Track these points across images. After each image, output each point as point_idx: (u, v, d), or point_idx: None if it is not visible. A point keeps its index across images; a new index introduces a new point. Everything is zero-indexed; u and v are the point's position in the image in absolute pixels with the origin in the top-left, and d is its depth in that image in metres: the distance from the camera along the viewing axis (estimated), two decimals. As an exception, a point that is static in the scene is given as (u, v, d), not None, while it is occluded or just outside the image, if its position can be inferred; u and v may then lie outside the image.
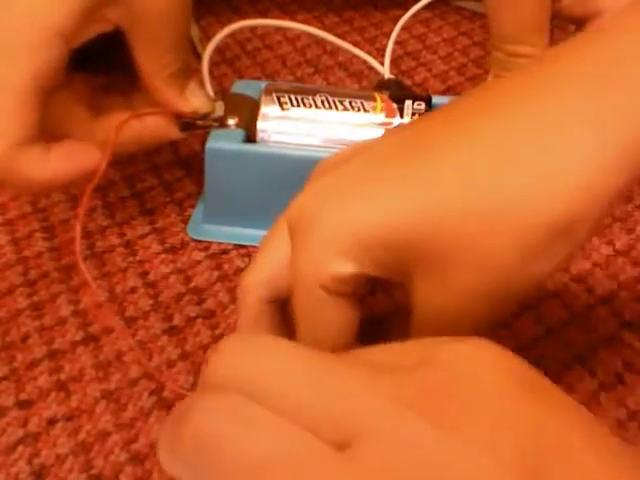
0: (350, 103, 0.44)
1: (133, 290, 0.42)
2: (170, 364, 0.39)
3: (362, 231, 0.28)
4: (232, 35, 0.50)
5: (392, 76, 0.52)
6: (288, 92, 0.44)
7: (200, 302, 0.42)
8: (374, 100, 0.44)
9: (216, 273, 0.43)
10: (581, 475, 0.21)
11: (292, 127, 0.43)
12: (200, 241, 0.45)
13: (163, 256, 0.44)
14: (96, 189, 0.41)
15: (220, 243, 0.45)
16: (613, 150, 0.27)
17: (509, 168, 0.27)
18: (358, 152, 0.31)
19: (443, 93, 0.56)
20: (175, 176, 0.49)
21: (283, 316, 0.32)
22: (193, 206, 0.47)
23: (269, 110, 0.44)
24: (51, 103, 0.39)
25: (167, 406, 0.37)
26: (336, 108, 0.43)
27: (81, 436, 0.36)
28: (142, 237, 0.45)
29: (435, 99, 0.44)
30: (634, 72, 0.27)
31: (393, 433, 0.21)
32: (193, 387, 0.38)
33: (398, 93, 0.45)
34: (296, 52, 0.61)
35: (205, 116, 0.44)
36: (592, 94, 0.27)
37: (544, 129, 0.27)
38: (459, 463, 0.21)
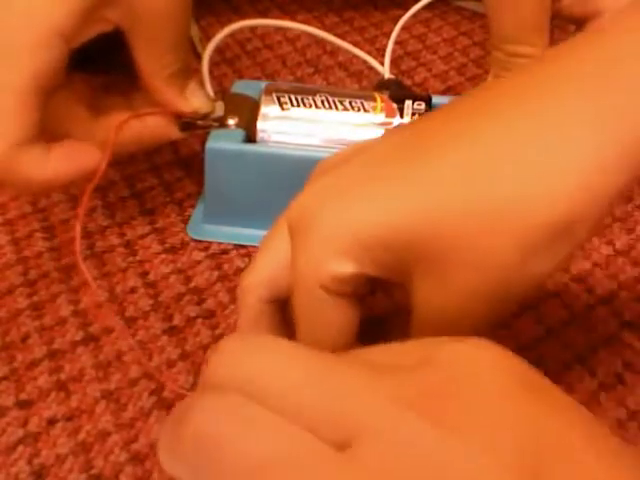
0: (350, 103, 0.44)
1: (133, 290, 0.42)
2: (170, 364, 0.39)
3: (362, 231, 0.28)
4: (232, 35, 0.50)
5: (392, 76, 0.52)
6: (288, 92, 0.44)
7: (200, 302, 0.42)
8: (374, 100, 0.44)
9: (216, 273, 0.43)
10: (581, 475, 0.21)
11: (292, 127, 0.43)
12: (200, 241, 0.45)
13: (163, 256, 0.44)
14: (96, 189, 0.41)
15: (220, 243, 0.45)
16: (612, 150, 0.27)
17: (509, 168, 0.27)
18: (358, 152, 0.31)
19: (443, 93, 0.56)
20: (175, 176, 0.49)
21: (283, 316, 0.32)
22: (193, 206, 0.47)
23: (269, 110, 0.44)
24: (51, 103, 0.39)
25: (167, 406, 0.37)
26: (336, 108, 0.43)
27: (81, 436, 0.36)
28: (142, 237, 0.45)
29: (435, 99, 0.44)
30: (634, 72, 0.27)
31: (393, 433, 0.21)
32: (193, 387, 0.38)
33: (398, 93, 0.45)
34: (296, 52, 0.61)
35: (205, 116, 0.44)
36: (592, 94, 0.27)
37: (544, 129, 0.27)
38: (459, 463, 0.21)
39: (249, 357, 0.24)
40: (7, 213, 0.47)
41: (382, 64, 0.52)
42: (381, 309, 0.37)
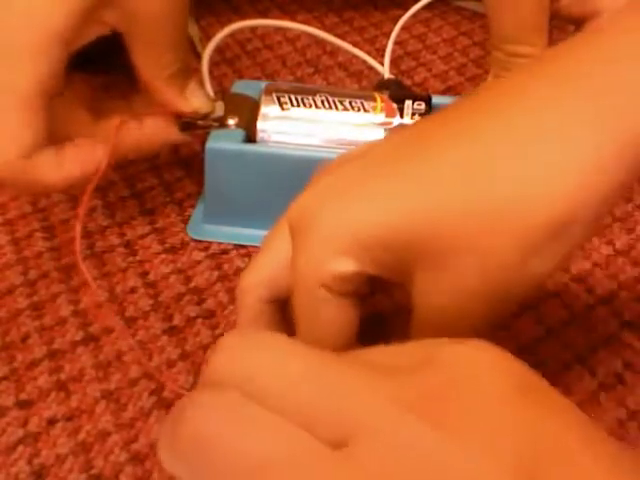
0: (350, 103, 0.44)
1: (133, 290, 0.42)
2: (170, 364, 0.39)
3: (362, 231, 0.28)
4: (232, 35, 0.50)
5: (392, 76, 0.52)
6: (288, 92, 0.44)
7: (200, 302, 0.42)
8: (374, 100, 0.44)
9: (216, 273, 0.43)
10: (578, 477, 0.21)
11: (292, 127, 0.43)
12: (200, 241, 0.45)
13: (163, 256, 0.44)
14: (96, 189, 0.41)
15: (220, 243, 0.45)
16: (612, 150, 0.27)
17: (509, 167, 0.27)
18: (360, 153, 0.31)
19: (443, 93, 0.56)
20: (175, 176, 0.49)
21: (283, 316, 0.32)
22: (193, 206, 0.47)
23: (269, 110, 0.44)
24: (53, 105, 0.39)
25: (167, 406, 0.37)
26: (336, 108, 0.43)
27: (81, 436, 0.36)
28: (142, 237, 0.45)
29: (435, 99, 0.44)
30: (632, 72, 0.27)
31: (392, 434, 0.21)
32: (193, 387, 0.37)
33: (398, 93, 0.45)
34: (296, 52, 0.61)
35: (205, 116, 0.44)
36: (591, 94, 0.27)
37: (544, 129, 0.27)
38: (458, 465, 0.21)
39: (248, 353, 0.24)
40: (7, 213, 0.47)
41: (382, 64, 0.52)
42: (381, 308, 0.37)
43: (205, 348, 0.39)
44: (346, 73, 0.58)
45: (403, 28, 0.53)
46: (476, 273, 0.27)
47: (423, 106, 0.43)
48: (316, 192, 0.29)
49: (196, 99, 0.43)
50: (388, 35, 0.53)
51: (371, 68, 0.53)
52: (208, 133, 0.44)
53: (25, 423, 0.36)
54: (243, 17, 0.52)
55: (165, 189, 0.48)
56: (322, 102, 0.44)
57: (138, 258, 0.44)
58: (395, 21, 0.53)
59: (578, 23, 0.46)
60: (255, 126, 0.43)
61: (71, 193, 0.48)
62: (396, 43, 0.53)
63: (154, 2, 0.39)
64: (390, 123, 0.43)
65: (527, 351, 0.39)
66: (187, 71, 0.43)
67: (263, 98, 0.44)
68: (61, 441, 0.35)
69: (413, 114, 0.43)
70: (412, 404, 0.22)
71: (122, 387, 0.38)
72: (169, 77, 0.41)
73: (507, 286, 0.27)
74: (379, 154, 0.30)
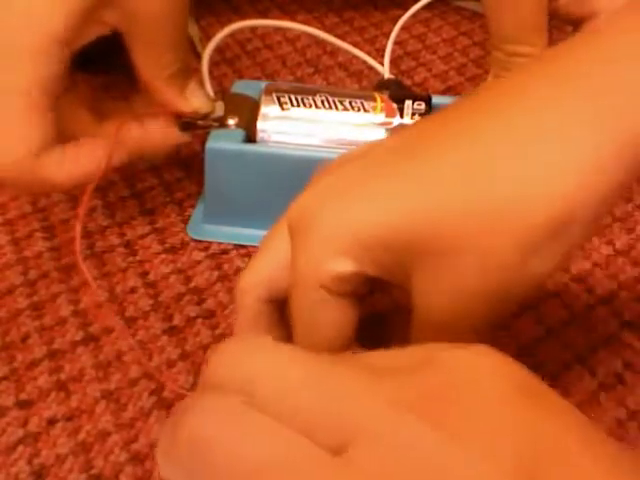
0: (350, 103, 0.44)
1: (133, 290, 0.42)
2: (170, 364, 0.39)
3: (362, 231, 0.28)
4: (232, 35, 0.50)
5: (392, 76, 0.52)
6: (288, 92, 0.44)
7: (200, 302, 0.42)
8: (374, 100, 0.44)
9: (216, 273, 0.43)
10: (577, 478, 0.21)
11: (292, 127, 0.43)
12: (200, 241, 0.45)
13: (163, 256, 0.44)
14: (96, 189, 0.41)
15: (220, 243, 0.45)
16: (611, 150, 0.27)
17: (509, 167, 0.27)
18: (360, 154, 0.31)
19: (443, 93, 0.56)
20: (175, 176, 0.49)
21: (281, 316, 0.32)
22: (193, 206, 0.47)
23: (269, 110, 0.44)
24: (56, 105, 0.39)
25: (167, 406, 0.37)
26: (336, 108, 0.43)
27: (81, 436, 0.36)
28: (142, 237, 0.45)
29: (435, 99, 0.44)
30: (630, 73, 0.27)
31: (392, 436, 0.21)
32: (193, 387, 0.38)
33: (398, 93, 0.45)
34: (296, 52, 0.61)
35: (205, 116, 0.44)
36: (590, 94, 0.27)
37: (543, 128, 0.27)
38: (459, 468, 0.21)
39: (249, 358, 0.24)
40: (7, 213, 0.47)
41: (382, 64, 0.52)
42: (381, 308, 0.37)
43: (205, 348, 0.39)
44: (346, 73, 0.58)
45: (403, 28, 0.53)
46: (476, 273, 0.27)
47: (423, 106, 0.43)
48: (316, 192, 0.29)
49: (196, 99, 0.43)
50: (388, 35, 0.53)
51: (371, 68, 0.53)
52: (208, 133, 0.44)
53: (25, 423, 0.36)
54: (243, 17, 0.52)
55: (165, 189, 0.48)
56: (322, 102, 0.44)
57: (138, 258, 0.44)
58: (395, 21, 0.53)
59: (576, 23, 0.46)
60: (255, 126, 0.43)
61: (71, 193, 0.48)
62: (396, 43, 0.53)
63: (154, 2, 0.39)
64: (390, 123, 0.43)
65: (527, 351, 0.39)
66: (187, 71, 0.43)
67: (263, 98, 0.44)
68: (61, 441, 0.35)
69: (413, 114, 0.43)
70: (412, 404, 0.22)
71: (122, 387, 0.38)
72: (169, 77, 0.41)
73: (507, 286, 0.27)
74: (379, 154, 0.30)
